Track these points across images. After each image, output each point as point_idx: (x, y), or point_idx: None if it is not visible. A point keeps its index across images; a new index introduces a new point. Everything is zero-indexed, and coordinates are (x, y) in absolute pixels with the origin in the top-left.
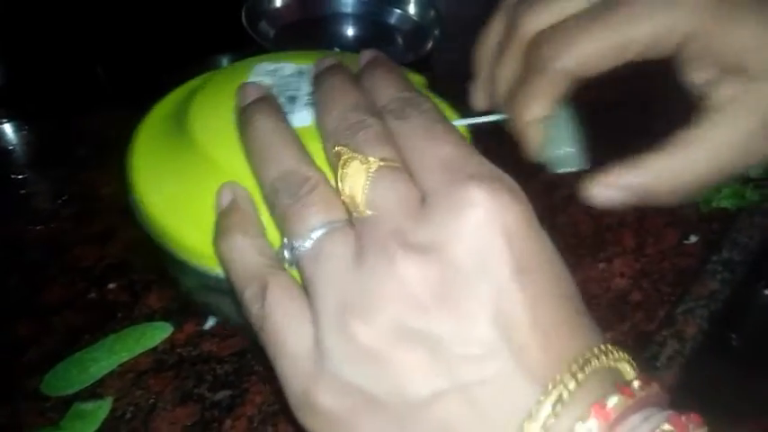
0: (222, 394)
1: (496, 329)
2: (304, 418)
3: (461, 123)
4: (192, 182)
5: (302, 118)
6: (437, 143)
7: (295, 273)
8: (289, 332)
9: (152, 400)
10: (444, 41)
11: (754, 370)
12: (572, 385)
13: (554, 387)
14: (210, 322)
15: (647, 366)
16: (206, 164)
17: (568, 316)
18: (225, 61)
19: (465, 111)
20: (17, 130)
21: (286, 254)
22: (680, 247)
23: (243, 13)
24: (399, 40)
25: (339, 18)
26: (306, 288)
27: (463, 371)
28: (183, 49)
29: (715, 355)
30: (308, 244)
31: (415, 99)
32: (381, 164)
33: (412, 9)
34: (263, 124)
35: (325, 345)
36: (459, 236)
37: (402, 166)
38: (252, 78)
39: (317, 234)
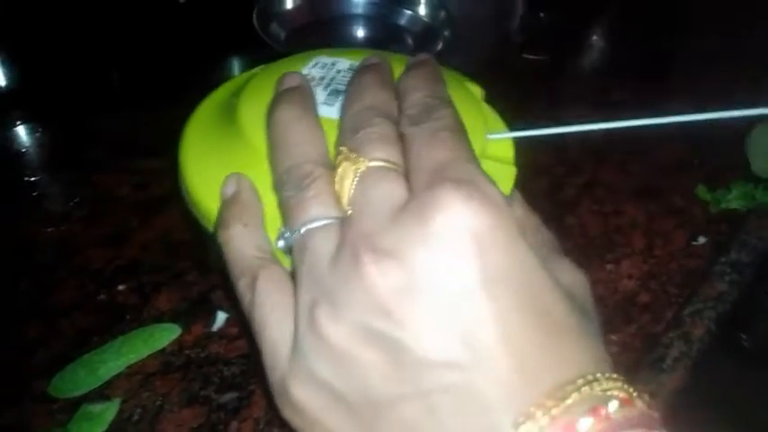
0: (229, 396)
1: (459, 338)
2: (282, 408)
3: (507, 136)
4: (235, 168)
5: (337, 111)
6: (435, 148)
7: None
8: (273, 323)
9: (159, 402)
10: (455, 42)
11: (765, 370)
12: (545, 421)
13: (526, 420)
14: (219, 323)
15: (653, 369)
16: (250, 152)
17: (548, 334)
18: (236, 63)
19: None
20: (30, 132)
21: (280, 243)
22: (688, 248)
23: (254, 16)
24: (410, 41)
25: (349, 19)
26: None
27: (424, 377)
28: (195, 52)
29: (722, 356)
30: (296, 236)
31: (435, 106)
32: (371, 164)
33: (422, 10)
34: (285, 115)
35: (299, 339)
36: (425, 241)
37: (396, 169)
38: (305, 70)
39: (306, 228)
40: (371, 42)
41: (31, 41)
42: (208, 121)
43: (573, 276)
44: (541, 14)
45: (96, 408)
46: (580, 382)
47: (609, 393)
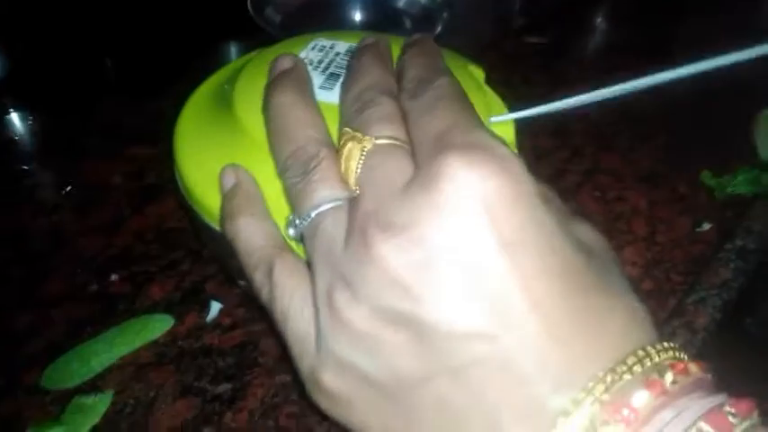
0: (223, 387)
1: (483, 308)
2: (314, 396)
3: (506, 118)
4: (231, 157)
5: (338, 95)
6: (435, 118)
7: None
8: (295, 314)
9: (152, 394)
10: (454, 25)
11: None
12: (596, 408)
13: (576, 408)
14: (212, 313)
15: None
16: (246, 140)
17: (578, 295)
18: (232, 49)
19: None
20: (22, 120)
21: (290, 231)
22: (692, 234)
23: (248, 1)
24: (407, 23)
25: (346, 2)
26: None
27: (451, 351)
28: (189, 38)
29: (728, 344)
30: (307, 221)
31: (432, 77)
32: (377, 142)
33: None
34: (281, 99)
35: (321, 326)
36: (434, 212)
37: (403, 146)
38: (302, 53)
39: (316, 212)
40: (369, 25)
41: (22, 28)
42: (202, 109)
43: (594, 237)
44: None
45: (89, 400)
46: (631, 360)
47: (663, 364)
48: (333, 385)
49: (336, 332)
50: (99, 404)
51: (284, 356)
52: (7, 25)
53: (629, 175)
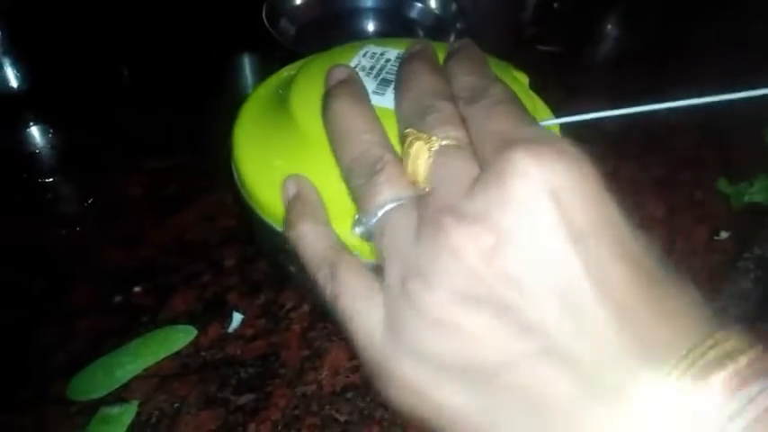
0: (246, 398)
1: (557, 297)
2: (385, 389)
3: (554, 122)
4: (291, 159)
5: (390, 100)
6: (496, 121)
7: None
8: (360, 307)
9: (177, 405)
10: (467, 35)
11: None
12: (675, 376)
13: (658, 383)
14: (234, 324)
15: None
16: (304, 142)
17: (645, 285)
18: (247, 61)
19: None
20: (43, 134)
21: (357, 229)
22: (711, 243)
23: (263, 12)
24: (421, 34)
25: (360, 13)
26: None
27: (529, 337)
28: (204, 50)
29: None
30: (374, 220)
31: (486, 85)
32: (443, 143)
33: (433, 3)
34: (341, 107)
35: (395, 315)
36: (506, 204)
37: (467, 147)
38: (354, 60)
39: (382, 210)
40: (383, 36)
41: (42, 42)
42: (259, 111)
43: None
44: (555, 4)
45: (114, 410)
46: (709, 343)
47: (737, 348)
48: (408, 376)
49: (414, 321)
50: (124, 415)
51: (304, 368)
52: (26, 40)
53: (644, 183)
